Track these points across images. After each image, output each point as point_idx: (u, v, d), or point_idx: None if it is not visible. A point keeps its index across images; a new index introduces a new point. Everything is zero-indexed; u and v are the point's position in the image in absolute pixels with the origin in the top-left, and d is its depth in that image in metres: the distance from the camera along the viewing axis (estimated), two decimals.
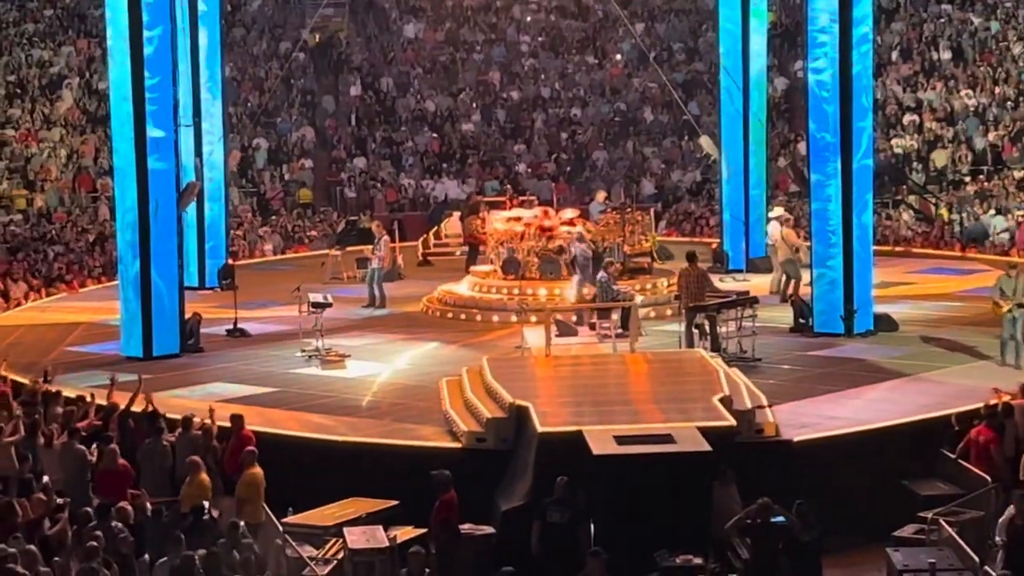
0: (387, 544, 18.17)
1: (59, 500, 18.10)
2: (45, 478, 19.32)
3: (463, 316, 30.59)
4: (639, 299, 28.57)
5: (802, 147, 37.70)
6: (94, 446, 20.24)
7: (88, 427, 21.08)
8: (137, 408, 21.92)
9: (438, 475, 18.96)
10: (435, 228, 40.60)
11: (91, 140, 49.38)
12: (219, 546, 16.63)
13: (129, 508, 17.74)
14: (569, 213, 32.02)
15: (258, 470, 19.80)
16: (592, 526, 18.79)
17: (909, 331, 28.29)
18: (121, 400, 22.33)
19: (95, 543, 15.54)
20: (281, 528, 18.48)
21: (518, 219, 31.64)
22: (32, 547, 15.63)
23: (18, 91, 51.32)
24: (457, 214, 39.74)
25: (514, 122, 50.89)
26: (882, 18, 46.31)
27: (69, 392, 23.91)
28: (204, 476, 19.19)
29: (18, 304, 34.98)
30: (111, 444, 20.01)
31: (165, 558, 16.62)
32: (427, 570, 17.28)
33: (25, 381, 24.73)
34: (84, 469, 19.77)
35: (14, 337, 30.88)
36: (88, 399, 22.98)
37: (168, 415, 22.19)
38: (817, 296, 27.86)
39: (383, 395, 25.22)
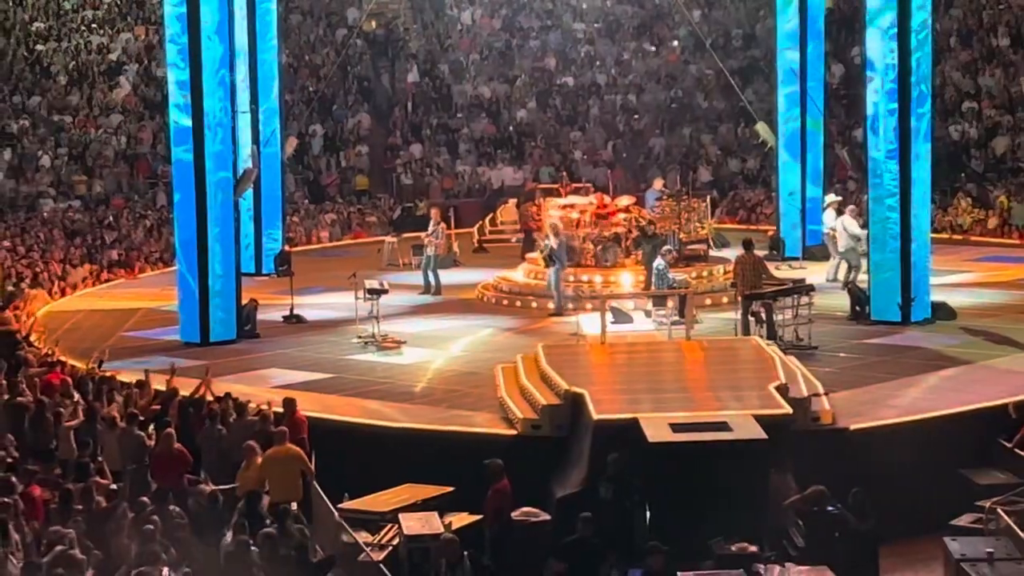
0: (442, 530, 18.14)
1: (113, 485, 18.55)
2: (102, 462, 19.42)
3: (518, 303, 30.66)
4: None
5: (859, 134, 37.58)
6: (151, 428, 20.53)
7: (147, 410, 21.54)
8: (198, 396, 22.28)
9: (491, 464, 19.05)
10: (491, 215, 40.54)
11: (149, 126, 49.73)
12: (270, 530, 16.74)
13: (206, 489, 18.28)
14: (624, 200, 32.11)
15: (279, 450, 19.79)
16: (647, 513, 18.65)
17: (967, 319, 28.09)
18: (181, 386, 22.55)
19: (152, 527, 15.75)
20: (336, 514, 18.50)
21: (573, 206, 31.91)
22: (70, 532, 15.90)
23: (77, 77, 51.54)
24: (513, 201, 39.78)
25: (570, 109, 50.90)
26: (941, 4, 46.00)
27: (127, 377, 23.99)
28: (260, 461, 19.34)
29: (76, 289, 35.17)
30: (168, 428, 20.08)
31: (229, 537, 16.72)
32: (466, 552, 17.35)
33: (81, 366, 24.93)
34: (143, 454, 19.83)
35: (72, 322, 31.06)
36: (146, 379, 23.14)
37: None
38: (874, 284, 27.74)
39: (438, 381, 25.25)
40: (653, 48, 53.19)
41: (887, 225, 26.76)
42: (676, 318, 26.83)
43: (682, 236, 31.19)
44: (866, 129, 28.74)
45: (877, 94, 27.53)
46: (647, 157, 47.81)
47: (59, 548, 14.72)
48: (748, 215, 42.53)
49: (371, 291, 27.86)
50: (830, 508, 17.70)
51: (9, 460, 18.91)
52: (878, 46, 27.88)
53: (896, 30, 27.32)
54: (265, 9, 35.81)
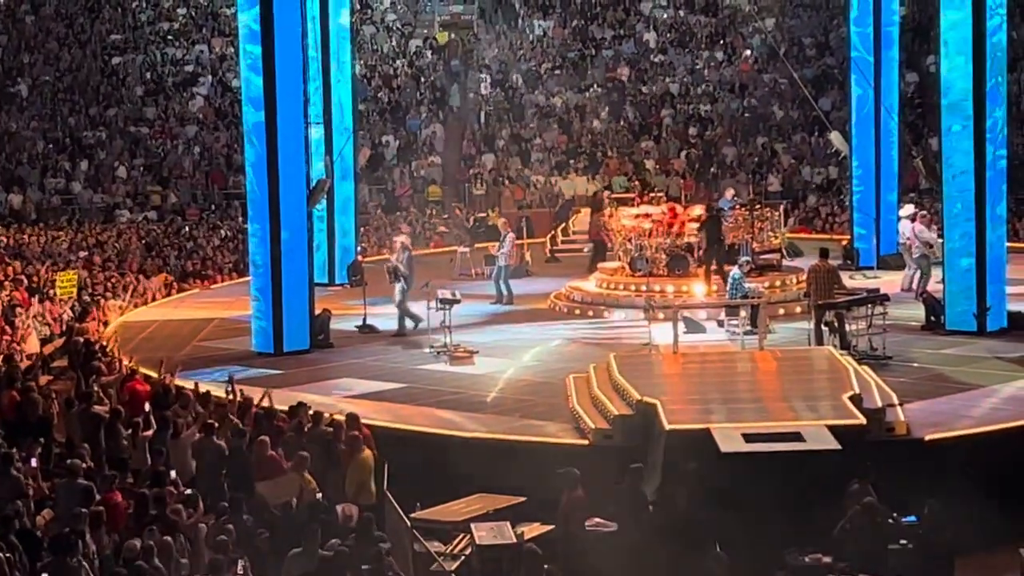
0: (514, 540, 18.22)
1: (188, 491, 18.94)
2: (173, 473, 19.76)
3: (590, 312, 30.81)
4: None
5: (934, 142, 37.48)
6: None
7: (226, 420, 21.72)
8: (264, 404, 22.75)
9: (566, 473, 19.11)
10: (563, 225, 40.68)
11: (223, 137, 50.28)
12: (351, 540, 16.92)
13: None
14: (697, 210, 32.17)
15: (367, 453, 20.43)
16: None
17: None
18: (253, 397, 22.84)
19: (225, 536, 16.28)
20: (409, 523, 18.76)
21: (647, 216, 31.92)
22: (167, 539, 16.17)
23: (152, 89, 52.32)
24: (586, 211, 39.99)
25: (643, 118, 50.94)
26: (1017, 12, 45.91)
27: (202, 387, 24.36)
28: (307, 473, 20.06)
29: (151, 300, 35.96)
30: (254, 437, 20.64)
31: (298, 549, 16.94)
32: (546, 566, 17.35)
33: (153, 375, 25.44)
34: (219, 463, 20.30)
35: (147, 332, 31.59)
36: (231, 387, 23.78)
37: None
38: (949, 294, 27.70)
39: (510, 391, 25.48)
40: (726, 57, 53.24)
41: (962, 234, 26.87)
42: (749, 328, 27.05)
43: (755, 246, 31.36)
44: (941, 138, 28.70)
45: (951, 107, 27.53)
46: (720, 166, 47.87)
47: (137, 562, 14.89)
48: (822, 224, 42.49)
49: (443, 301, 28.10)
50: (906, 519, 18.23)
51: (85, 467, 19.28)
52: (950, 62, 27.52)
53: (971, 47, 26.94)
54: (338, 20, 36.35)
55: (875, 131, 34.33)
